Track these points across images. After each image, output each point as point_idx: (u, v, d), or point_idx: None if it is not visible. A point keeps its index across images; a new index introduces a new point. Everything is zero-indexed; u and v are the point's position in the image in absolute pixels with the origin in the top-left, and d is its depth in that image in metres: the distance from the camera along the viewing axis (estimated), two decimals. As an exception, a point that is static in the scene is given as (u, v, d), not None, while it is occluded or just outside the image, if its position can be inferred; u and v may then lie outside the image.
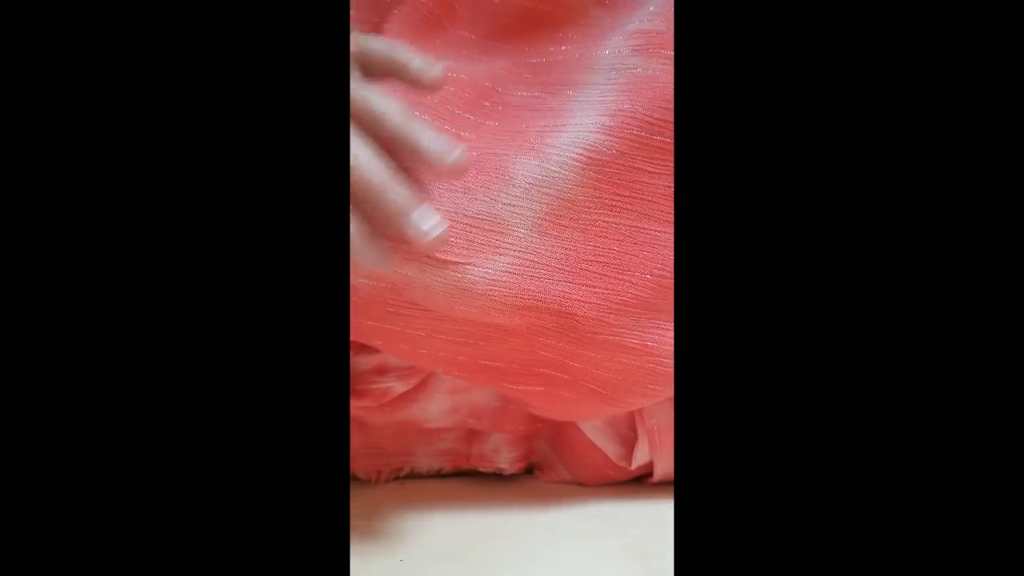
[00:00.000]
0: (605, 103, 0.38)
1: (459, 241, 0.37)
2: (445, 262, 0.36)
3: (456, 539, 0.38)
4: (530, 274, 0.37)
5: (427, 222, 0.32)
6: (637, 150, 0.37)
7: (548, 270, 0.37)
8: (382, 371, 0.42)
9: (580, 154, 0.37)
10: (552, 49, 0.41)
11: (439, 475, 0.45)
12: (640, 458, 0.42)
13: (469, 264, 0.37)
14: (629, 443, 0.43)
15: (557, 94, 0.39)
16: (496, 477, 0.44)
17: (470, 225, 0.37)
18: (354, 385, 0.41)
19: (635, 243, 0.38)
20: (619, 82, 0.38)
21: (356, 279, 0.37)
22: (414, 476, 0.45)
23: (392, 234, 0.32)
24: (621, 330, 0.38)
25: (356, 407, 0.42)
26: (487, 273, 0.37)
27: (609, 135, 0.37)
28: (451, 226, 0.35)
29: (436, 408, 0.43)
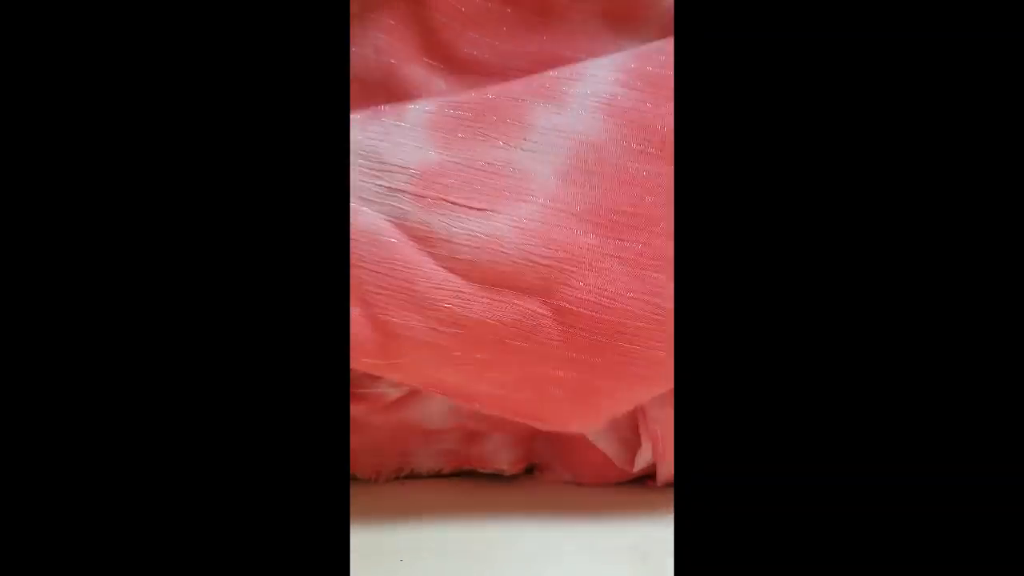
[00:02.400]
0: (616, 62, 0.36)
1: (481, 188, 0.35)
2: (468, 208, 0.35)
3: (456, 539, 0.38)
4: (556, 223, 0.35)
5: None
6: (658, 100, 0.35)
7: (576, 220, 0.35)
8: (376, 376, 0.41)
9: (600, 101, 0.35)
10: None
11: (439, 475, 0.45)
12: (642, 462, 0.42)
13: (493, 211, 0.35)
14: (631, 446, 0.43)
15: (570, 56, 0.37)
16: (496, 477, 0.44)
17: (492, 172, 0.35)
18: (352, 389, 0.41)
19: (667, 192, 0.35)
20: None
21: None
22: (414, 476, 0.45)
23: None
24: (649, 296, 0.35)
25: (353, 411, 0.42)
26: (513, 221, 0.35)
27: (627, 87, 0.35)
28: (471, 173, 0.34)
29: (436, 409, 0.43)
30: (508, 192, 0.35)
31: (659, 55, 0.36)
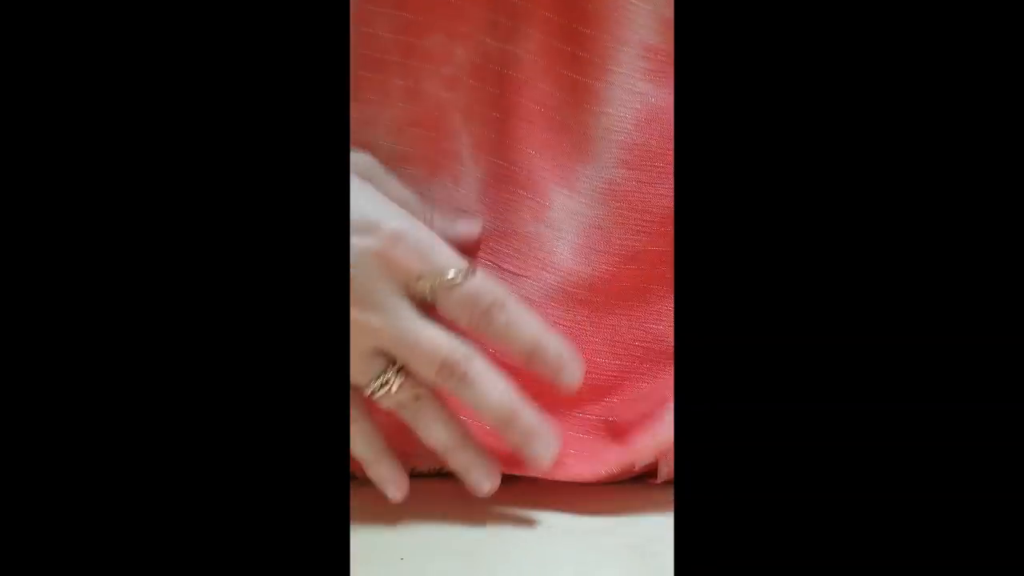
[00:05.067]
0: (621, 135, 0.39)
1: (513, 255, 0.39)
2: (502, 271, 0.38)
3: (456, 538, 0.38)
4: (577, 298, 0.39)
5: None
6: (657, 179, 0.39)
7: (589, 294, 0.39)
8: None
9: (604, 186, 0.39)
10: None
11: (439, 475, 0.45)
12: (643, 459, 0.42)
13: (526, 277, 0.39)
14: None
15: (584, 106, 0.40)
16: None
17: (522, 242, 0.39)
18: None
19: (667, 266, 0.39)
20: (631, 110, 0.38)
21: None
22: (414, 476, 0.45)
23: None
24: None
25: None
26: (540, 289, 0.39)
27: (628, 168, 0.39)
28: (506, 240, 0.39)
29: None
30: (536, 262, 0.39)
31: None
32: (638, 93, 0.38)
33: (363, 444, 0.36)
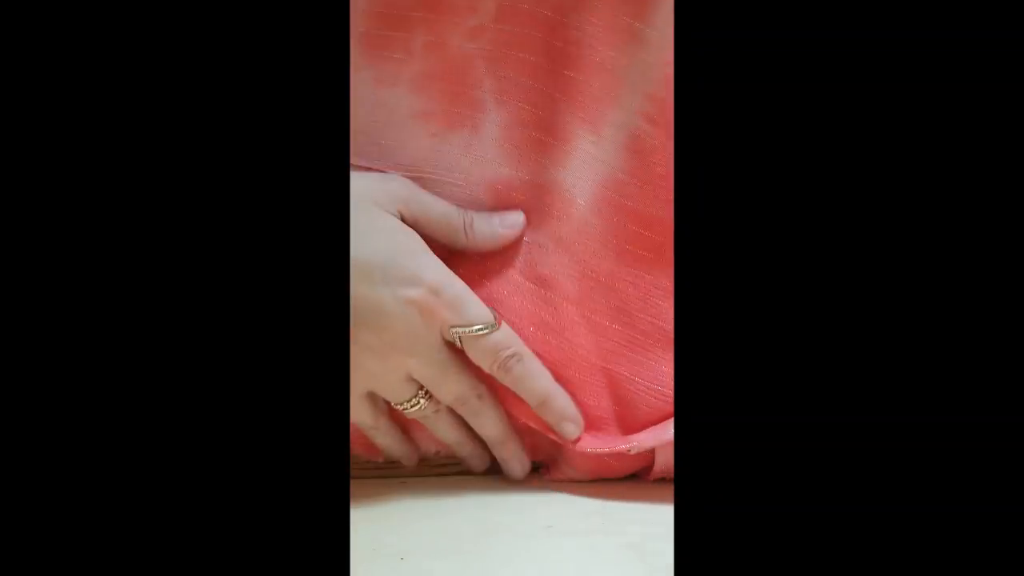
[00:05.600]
0: (651, 85, 0.39)
1: (530, 203, 0.40)
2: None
3: (456, 537, 0.38)
4: (583, 247, 0.40)
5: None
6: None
7: (600, 246, 0.40)
8: None
9: (626, 140, 0.39)
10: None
11: (439, 475, 0.45)
12: (640, 446, 0.42)
13: (538, 227, 0.40)
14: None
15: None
16: (496, 475, 0.44)
17: (541, 188, 0.40)
18: None
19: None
20: (667, 61, 0.39)
21: None
22: (414, 476, 0.45)
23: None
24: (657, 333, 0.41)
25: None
26: (550, 239, 0.40)
27: (652, 124, 0.39)
28: (523, 191, 0.40)
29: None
30: (553, 209, 0.40)
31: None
32: None
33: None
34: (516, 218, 0.40)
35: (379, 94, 0.40)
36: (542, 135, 0.40)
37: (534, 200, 0.40)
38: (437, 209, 0.40)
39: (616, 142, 0.40)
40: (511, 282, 0.41)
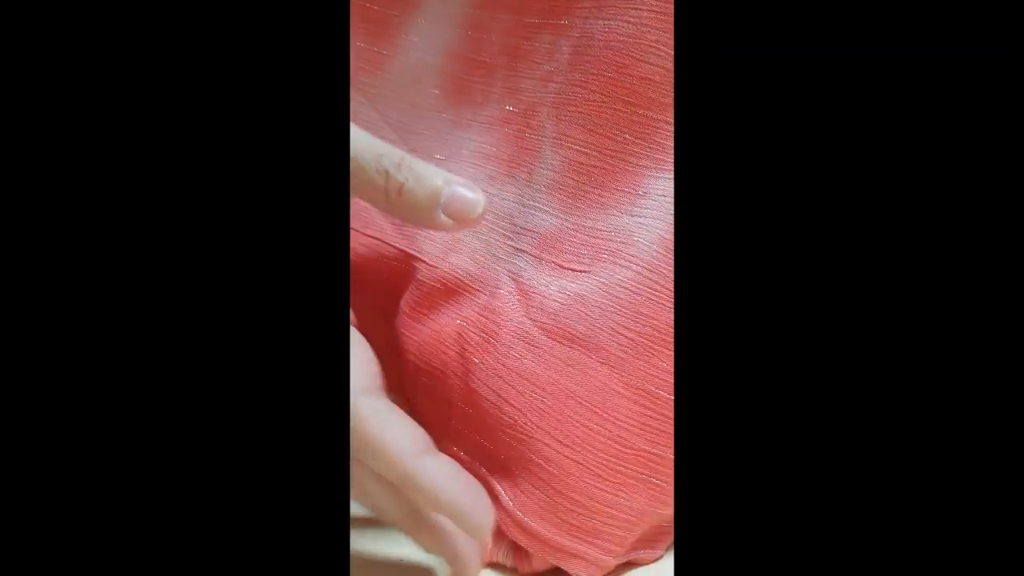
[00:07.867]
0: None
1: (585, 251, 0.35)
2: (563, 269, 0.35)
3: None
4: (647, 295, 0.34)
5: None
6: None
7: (668, 294, 0.34)
8: None
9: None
10: None
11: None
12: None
13: (588, 272, 0.35)
14: None
15: None
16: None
17: (600, 237, 0.35)
18: None
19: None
20: None
21: None
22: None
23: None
24: None
25: None
26: (603, 285, 0.34)
27: None
28: (581, 239, 0.35)
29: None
30: (607, 255, 0.35)
31: None
32: None
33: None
34: (466, 202, 0.33)
35: (452, 135, 0.39)
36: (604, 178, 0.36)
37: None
38: (359, 145, 0.32)
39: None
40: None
